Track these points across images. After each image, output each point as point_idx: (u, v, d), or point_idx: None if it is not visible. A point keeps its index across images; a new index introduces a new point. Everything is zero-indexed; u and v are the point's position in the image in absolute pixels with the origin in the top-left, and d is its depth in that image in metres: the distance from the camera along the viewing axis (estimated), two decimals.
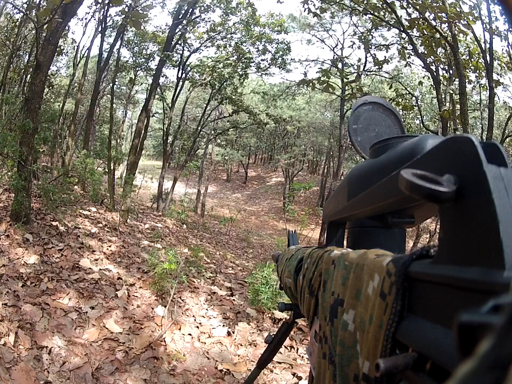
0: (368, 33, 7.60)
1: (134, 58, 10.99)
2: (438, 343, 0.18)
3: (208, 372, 2.36)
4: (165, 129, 10.25)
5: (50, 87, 10.54)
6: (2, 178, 4.44)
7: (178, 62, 10.13)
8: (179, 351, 2.52)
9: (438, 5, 4.35)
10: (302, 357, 2.58)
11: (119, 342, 2.45)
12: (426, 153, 0.24)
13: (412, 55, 6.18)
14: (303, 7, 6.13)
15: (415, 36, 5.45)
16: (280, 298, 3.06)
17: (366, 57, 9.08)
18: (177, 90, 10.49)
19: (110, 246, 4.19)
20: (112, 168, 6.94)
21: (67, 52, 12.28)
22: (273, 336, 0.79)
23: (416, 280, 0.22)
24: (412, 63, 6.91)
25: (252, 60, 10.56)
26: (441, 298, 0.20)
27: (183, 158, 12.40)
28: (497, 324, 0.11)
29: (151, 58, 10.75)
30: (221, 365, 2.43)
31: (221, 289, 3.73)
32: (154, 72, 8.88)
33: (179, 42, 9.44)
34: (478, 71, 5.46)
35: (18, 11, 7.29)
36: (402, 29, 5.13)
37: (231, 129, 15.52)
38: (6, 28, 8.47)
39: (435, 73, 5.67)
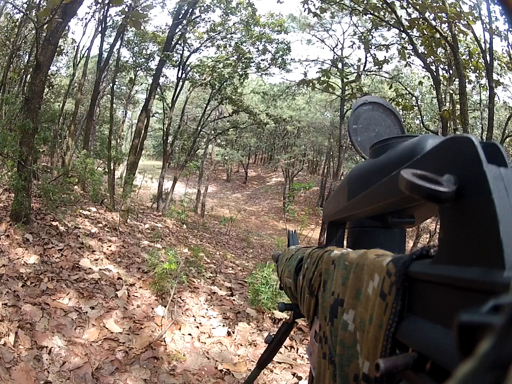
0: (368, 33, 7.60)
1: (134, 58, 11.00)
2: (438, 343, 0.18)
3: (208, 372, 2.36)
4: (165, 129, 10.26)
5: (50, 87, 10.54)
6: (2, 178, 4.44)
7: (178, 62, 10.13)
8: (179, 351, 2.52)
9: (438, 5, 4.35)
10: (302, 357, 2.58)
11: (119, 342, 2.45)
12: (426, 153, 0.24)
13: (412, 55, 6.18)
14: (303, 7, 6.14)
15: (415, 36, 5.45)
16: (280, 298, 3.06)
17: (366, 57, 9.08)
18: (177, 90, 10.49)
19: (110, 246, 4.19)
20: (112, 168, 6.94)
21: (67, 52, 12.29)
22: (273, 336, 0.79)
23: (416, 280, 0.22)
24: (412, 63, 6.91)
25: (252, 60, 10.56)
26: (441, 298, 0.20)
27: (183, 158, 12.40)
28: (497, 323, 0.11)
29: (151, 58, 10.75)
30: (221, 365, 2.43)
31: (221, 289, 3.73)
32: (154, 72, 8.87)
33: (179, 42, 9.44)
34: (478, 71, 5.46)
35: (18, 11, 7.30)
36: (402, 29, 5.13)
37: (231, 129, 15.52)
38: (6, 28, 8.47)
39: (435, 73, 5.67)
